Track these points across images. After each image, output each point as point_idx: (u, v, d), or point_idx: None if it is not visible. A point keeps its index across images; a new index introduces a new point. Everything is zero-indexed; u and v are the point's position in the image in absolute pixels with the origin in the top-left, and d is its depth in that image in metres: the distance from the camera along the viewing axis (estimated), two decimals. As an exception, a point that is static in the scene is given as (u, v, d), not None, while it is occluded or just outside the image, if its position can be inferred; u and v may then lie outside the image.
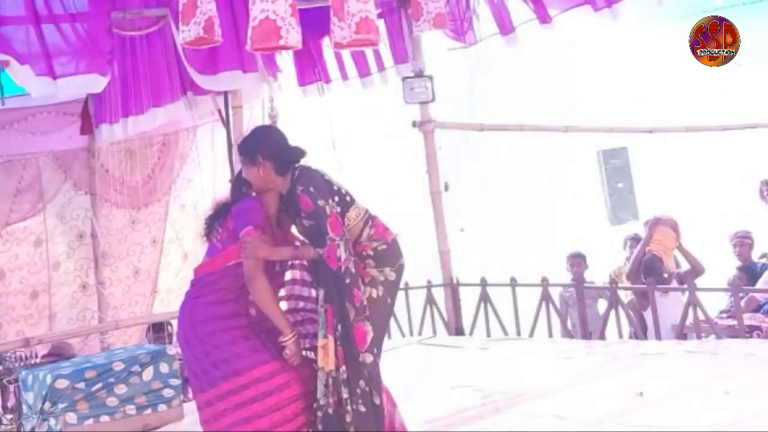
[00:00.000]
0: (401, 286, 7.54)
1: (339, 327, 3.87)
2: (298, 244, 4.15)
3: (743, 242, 7.78)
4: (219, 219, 4.12)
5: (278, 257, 4.04)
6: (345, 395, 3.86)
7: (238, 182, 4.19)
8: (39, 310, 8.39)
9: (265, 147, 4.06)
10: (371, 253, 4.01)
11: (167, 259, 9.06)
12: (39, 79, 6.37)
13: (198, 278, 4.09)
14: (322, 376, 3.88)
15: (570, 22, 7.46)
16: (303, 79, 8.16)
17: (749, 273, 7.57)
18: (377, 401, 3.91)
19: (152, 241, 8.97)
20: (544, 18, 7.49)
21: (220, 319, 3.95)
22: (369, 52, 7.92)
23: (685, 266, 7.56)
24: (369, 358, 3.90)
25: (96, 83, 6.64)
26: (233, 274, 3.98)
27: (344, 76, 8.13)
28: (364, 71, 8.09)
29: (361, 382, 3.88)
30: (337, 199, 3.98)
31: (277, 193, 4.10)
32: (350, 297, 3.87)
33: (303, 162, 4.10)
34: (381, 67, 8.03)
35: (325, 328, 3.88)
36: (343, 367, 3.87)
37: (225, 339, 3.92)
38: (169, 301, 9.02)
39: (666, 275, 7.26)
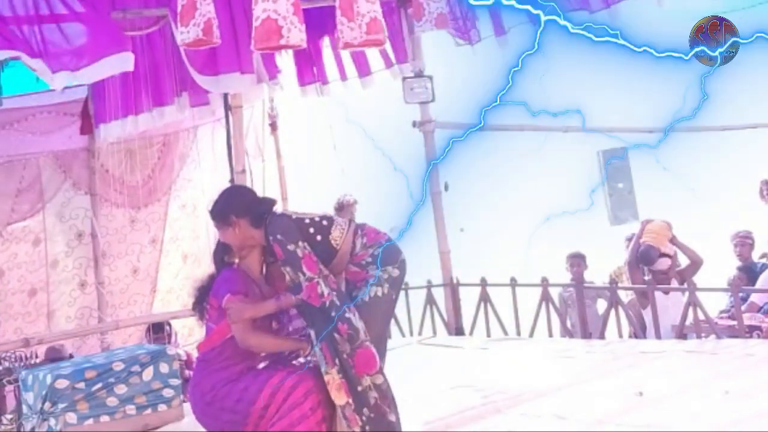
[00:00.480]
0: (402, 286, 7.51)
1: (336, 360, 3.91)
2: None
3: (744, 242, 7.78)
4: (204, 300, 4.24)
5: (264, 312, 4.10)
6: (359, 424, 3.91)
7: (219, 253, 4.30)
8: (37, 307, 8.42)
9: (235, 205, 4.16)
10: (370, 259, 4.05)
11: (167, 259, 9.06)
12: (63, 73, 6.32)
13: (202, 354, 4.20)
14: (339, 412, 3.94)
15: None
16: (303, 80, 8.16)
17: (749, 273, 7.56)
18: (392, 418, 3.96)
19: (151, 240, 8.98)
20: (535, 21, 7.49)
21: (225, 378, 4.07)
22: (369, 52, 7.93)
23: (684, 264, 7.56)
24: (379, 379, 3.94)
25: (127, 60, 6.53)
26: (233, 344, 4.09)
27: (343, 77, 8.13)
28: (363, 71, 8.09)
29: (365, 410, 3.91)
30: (312, 231, 4.02)
31: (258, 250, 4.19)
32: (337, 329, 3.91)
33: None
34: (380, 67, 8.02)
35: (326, 364, 3.92)
36: (350, 399, 3.91)
37: (227, 388, 4.04)
38: (168, 301, 9.03)
39: (669, 257, 7.27)
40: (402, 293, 7.82)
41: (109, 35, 6.47)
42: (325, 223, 4.08)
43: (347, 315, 3.91)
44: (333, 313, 3.90)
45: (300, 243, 3.95)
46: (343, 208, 8.49)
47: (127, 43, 6.55)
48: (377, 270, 4.01)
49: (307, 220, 4.06)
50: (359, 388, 3.90)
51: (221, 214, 4.17)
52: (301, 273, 3.92)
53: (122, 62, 6.49)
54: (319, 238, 4.01)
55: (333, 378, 3.90)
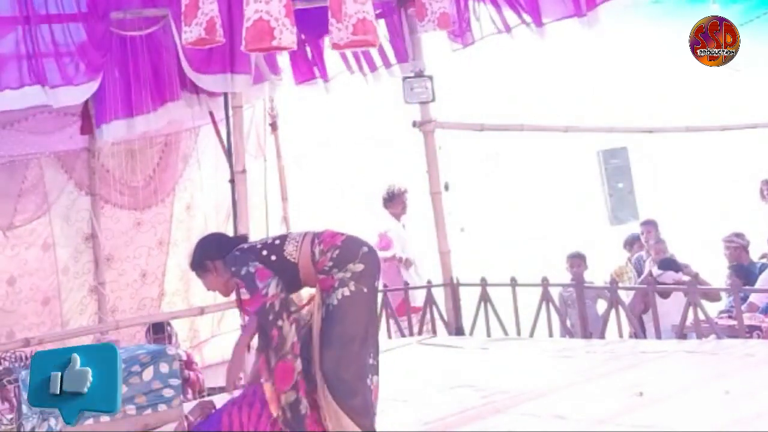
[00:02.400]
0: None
1: (270, 374, 3.96)
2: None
3: (728, 246, 7.85)
4: None
5: (240, 355, 4.19)
6: None
7: None
8: (51, 317, 8.28)
9: (207, 251, 4.31)
10: (330, 263, 4.05)
11: (173, 261, 9.00)
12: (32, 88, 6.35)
13: None
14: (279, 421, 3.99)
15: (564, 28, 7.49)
16: (298, 79, 8.16)
17: (742, 274, 7.55)
18: None
19: (158, 243, 8.92)
20: (538, 22, 7.51)
21: None
22: (371, 50, 7.93)
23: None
24: (292, 397, 3.92)
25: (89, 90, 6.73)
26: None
27: (330, 76, 8.14)
28: (365, 70, 8.09)
29: (293, 425, 3.94)
30: (265, 253, 4.10)
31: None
32: (269, 336, 3.93)
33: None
34: (377, 66, 8.02)
35: (263, 377, 3.97)
36: (280, 412, 3.94)
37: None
38: (174, 303, 8.94)
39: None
40: (402, 293, 7.89)
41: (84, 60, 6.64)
42: (277, 242, 4.16)
43: (280, 323, 3.93)
44: (270, 316, 3.93)
45: (250, 263, 4.04)
46: (393, 197, 8.48)
47: (98, 74, 6.74)
48: (339, 272, 4.02)
49: (260, 245, 4.18)
50: (282, 403, 3.93)
51: (197, 263, 4.34)
52: (259, 285, 3.98)
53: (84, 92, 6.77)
54: (273, 258, 4.09)
55: (269, 389, 3.94)
